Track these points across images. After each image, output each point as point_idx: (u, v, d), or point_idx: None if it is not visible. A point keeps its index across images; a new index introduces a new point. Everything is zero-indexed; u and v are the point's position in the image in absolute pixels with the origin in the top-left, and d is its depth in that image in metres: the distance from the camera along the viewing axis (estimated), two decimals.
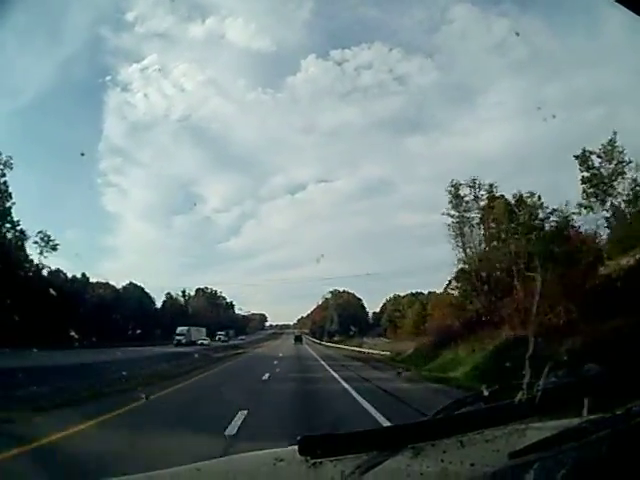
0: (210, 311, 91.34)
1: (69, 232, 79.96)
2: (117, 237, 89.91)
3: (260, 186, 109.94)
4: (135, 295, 66.30)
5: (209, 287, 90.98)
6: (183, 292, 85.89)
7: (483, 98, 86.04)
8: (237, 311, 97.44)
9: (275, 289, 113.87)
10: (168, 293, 75.42)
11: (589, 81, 57.87)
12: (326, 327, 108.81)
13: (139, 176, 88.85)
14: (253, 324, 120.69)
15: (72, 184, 71.10)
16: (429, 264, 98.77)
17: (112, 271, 71.12)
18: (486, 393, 1.24)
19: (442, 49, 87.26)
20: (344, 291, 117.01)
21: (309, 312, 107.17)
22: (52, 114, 68.89)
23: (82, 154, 67.20)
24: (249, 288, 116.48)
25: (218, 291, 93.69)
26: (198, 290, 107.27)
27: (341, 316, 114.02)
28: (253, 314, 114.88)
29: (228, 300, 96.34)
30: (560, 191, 71.98)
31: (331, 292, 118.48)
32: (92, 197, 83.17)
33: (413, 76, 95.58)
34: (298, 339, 78.29)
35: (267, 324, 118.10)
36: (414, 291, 74.69)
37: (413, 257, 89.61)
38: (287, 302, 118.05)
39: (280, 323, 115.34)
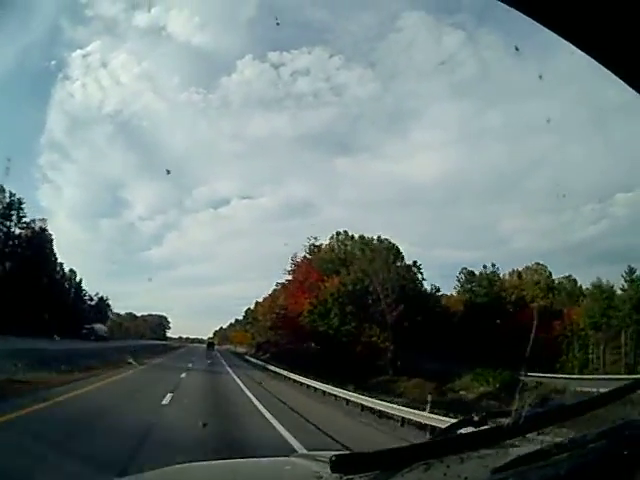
0: None
1: None
2: None
3: (185, 197, 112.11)
4: None
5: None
6: None
7: (419, 119, 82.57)
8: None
9: (189, 302, 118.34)
10: None
11: (535, 111, 55.27)
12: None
13: (72, 174, 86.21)
14: (134, 329, 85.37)
15: (10, 176, 64.22)
16: None
17: None
18: (476, 418, 1.39)
19: (385, 60, 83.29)
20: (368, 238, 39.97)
21: (242, 313, 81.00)
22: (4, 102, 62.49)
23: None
24: (166, 298, 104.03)
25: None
26: None
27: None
28: (150, 315, 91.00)
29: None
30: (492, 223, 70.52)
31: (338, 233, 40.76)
32: (28, 191, 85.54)
33: (350, 87, 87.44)
34: (211, 346, 71.19)
35: (169, 334, 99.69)
36: None
37: None
38: (202, 316, 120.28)
39: (192, 336, 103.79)
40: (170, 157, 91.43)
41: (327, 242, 47.60)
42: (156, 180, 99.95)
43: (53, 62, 72.71)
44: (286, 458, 2.58)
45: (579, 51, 1.14)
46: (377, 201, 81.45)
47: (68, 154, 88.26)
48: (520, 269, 51.20)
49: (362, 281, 36.71)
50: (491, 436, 1.33)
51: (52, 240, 54.72)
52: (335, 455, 1.18)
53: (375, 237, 42.09)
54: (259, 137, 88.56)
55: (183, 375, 23.08)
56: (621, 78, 1.17)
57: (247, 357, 49.56)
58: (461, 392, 30.16)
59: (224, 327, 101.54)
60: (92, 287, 66.82)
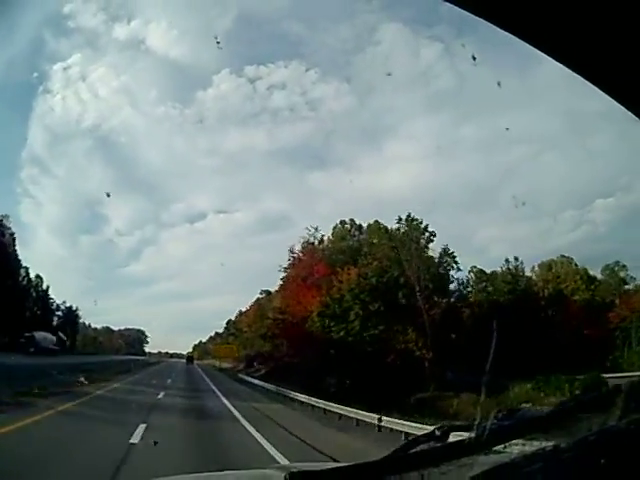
0: None
1: None
2: (29, 250, 70.09)
3: (162, 212, 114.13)
4: None
5: None
6: None
7: (395, 131, 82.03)
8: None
9: (167, 317, 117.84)
10: None
11: (510, 123, 59.69)
12: None
13: (53, 189, 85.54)
14: (108, 343, 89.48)
15: None
16: None
17: None
18: (438, 433, 1.36)
19: (361, 73, 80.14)
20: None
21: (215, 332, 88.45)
22: None
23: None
24: (144, 313, 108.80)
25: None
26: None
27: None
28: (127, 329, 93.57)
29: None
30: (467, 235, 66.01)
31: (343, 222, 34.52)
32: (10, 206, 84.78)
33: (326, 101, 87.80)
34: (190, 360, 74.95)
35: (147, 348, 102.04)
36: None
37: None
38: (181, 331, 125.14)
39: (171, 351, 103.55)
40: (147, 172, 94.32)
41: (330, 234, 41.00)
42: (134, 195, 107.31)
43: (35, 74, 73.74)
44: (262, 470, 2.64)
45: (555, 62, 1.16)
46: (354, 213, 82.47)
47: (48, 169, 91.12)
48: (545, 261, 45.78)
49: (390, 272, 30.16)
50: (454, 451, 1.25)
51: (14, 239, 49.97)
52: (290, 473, 1.18)
53: (403, 217, 33.55)
54: (235, 152, 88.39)
55: (140, 429, 10.95)
56: (597, 86, 1.18)
57: (241, 376, 40.92)
58: (523, 405, 24.00)
59: (204, 341, 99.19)
60: (72, 303, 63.70)
